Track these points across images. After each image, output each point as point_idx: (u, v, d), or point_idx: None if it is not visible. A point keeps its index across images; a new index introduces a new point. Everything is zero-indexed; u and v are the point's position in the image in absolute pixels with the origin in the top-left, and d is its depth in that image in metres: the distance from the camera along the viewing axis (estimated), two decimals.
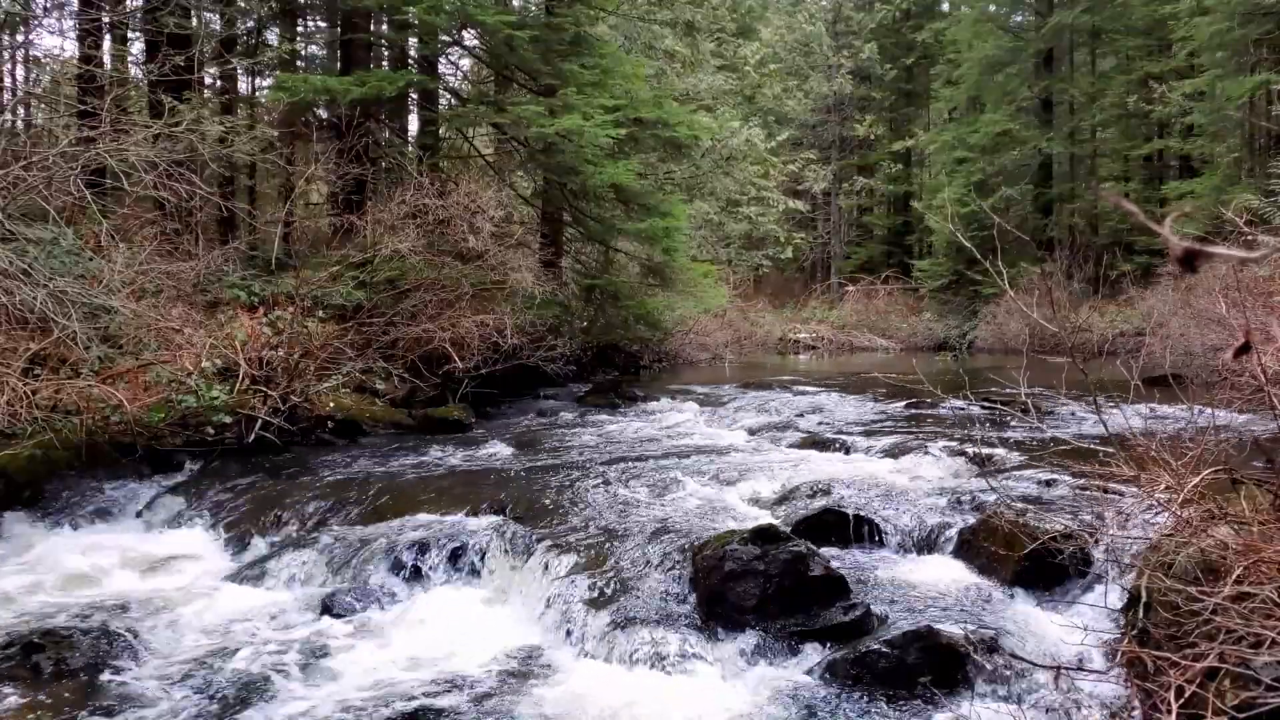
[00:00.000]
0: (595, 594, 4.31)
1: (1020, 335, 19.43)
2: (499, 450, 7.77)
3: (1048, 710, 3.31)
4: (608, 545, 4.78)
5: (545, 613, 4.33)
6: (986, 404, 8.01)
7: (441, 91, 14.19)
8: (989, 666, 3.54)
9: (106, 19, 11.53)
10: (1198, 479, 3.52)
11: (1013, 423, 7.64)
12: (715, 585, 4.04)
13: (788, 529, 4.60)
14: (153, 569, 5.22)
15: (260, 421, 7.30)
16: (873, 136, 32.83)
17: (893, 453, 7.15)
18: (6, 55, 15.11)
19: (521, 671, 3.86)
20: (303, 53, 15.94)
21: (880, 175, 33.27)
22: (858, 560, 4.71)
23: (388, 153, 12.63)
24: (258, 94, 15.22)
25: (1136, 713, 3.17)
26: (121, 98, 9.60)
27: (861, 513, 5.09)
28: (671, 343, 18.16)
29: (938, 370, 17.59)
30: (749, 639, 3.87)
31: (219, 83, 13.51)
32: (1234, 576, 3.02)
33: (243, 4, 13.06)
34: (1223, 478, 3.76)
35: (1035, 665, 3.49)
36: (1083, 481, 5.10)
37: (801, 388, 12.60)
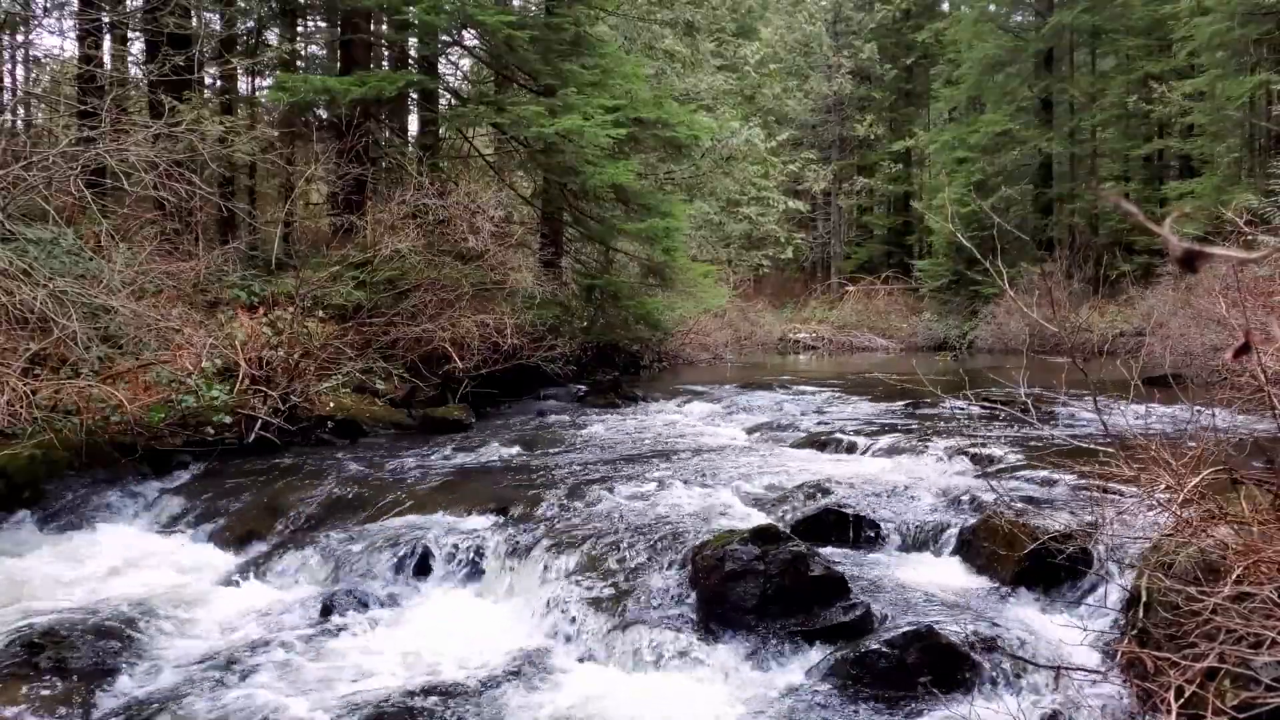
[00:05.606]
0: (595, 594, 4.32)
1: (1020, 335, 19.44)
2: (499, 450, 7.77)
3: (1048, 710, 3.31)
4: (607, 545, 4.78)
5: (545, 613, 4.33)
6: (986, 404, 8.01)
7: (441, 91, 14.19)
8: (989, 666, 3.54)
9: (106, 19, 11.54)
10: (1198, 479, 3.52)
11: (1013, 423, 7.64)
12: (715, 585, 4.04)
13: (787, 529, 4.60)
14: (153, 569, 5.21)
15: (260, 421, 7.30)
16: (873, 136, 32.84)
17: (893, 453, 7.15)
18: (6, 55, 15.13)
19: (522, 672, 3.86)
20: (303, 53, 15.95)
21: (880, 175, 33.28)
22: (858, 560, 4.71)
23: (388, 153, 12.63)
24: (258, 94, 15.22)
25: (1136, 713, 3.17)
26: (121, 98, 9.61)
27: (861, 513, 5.09)
28: (671, 343, 18.16)
29: (938, 370, 17.59)
30: (749, 639, 3.87)
31: (219, 83, 13.51)
32: (1234, 576, 3.02)
33: (243, 4, 13.06)
34: (1223, 478, 3.76)
35: (1035, 665, 3.49)
36: (1083, 481, 5.10)
37: (801, 388, 12.60)
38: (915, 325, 26.58)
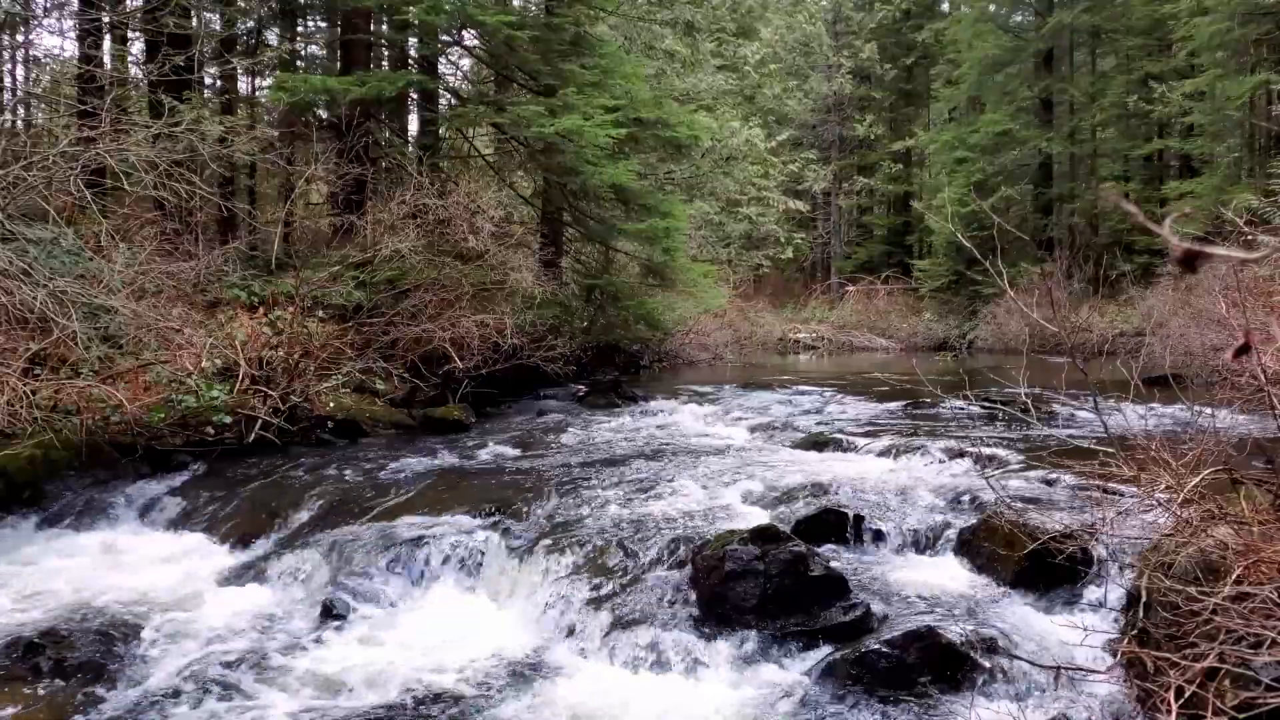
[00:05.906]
0: (595, 594, 4.32)
1: (1020, 335, 19.43)
2: (499, 450, 7.77)
3: (1048, 710, 3.31)
4: (608, 545, 4.78)
5: (545, 613, 4.33)
6: (986, 404, 8.01)
7: (441, 91, 14.19)
8: (989, 666, 3.54)
9: (106, 19, 11.54)
10: (1198, 479, 3.52)
11: (1013, 423, 7.64)
12: (715, 585, 4.04)
13: (788, 529, 4.60)
14: (152, 569, 5.21)
15: (260, 421, 7.30)
16: (873, 136, 32.82)
17: (893, 453, 7.15)
18: (6, 55, 15.14)
19: (522, 672, 3.86)
20: (303, 53, 15.95)
21: (880, 175, 33.26)
22: (858, 560, 4.71)
23: (388, 153, 12.63)
24: (258, 94, 15.23)
25: (1136, 713, 3.17)
26: (121, 98, 9.62)
27: (861, 513, 5.09)
28: (671, 343, 18.15)
29: (938, 370, 17.59)
30: (749, 639, 3.87)
31: (219, 83, 13.52)
32: (1234, 576, 3.02)
33: (243, 4, 13.06)
34: (1223, 478, 3.76)
35: (1035, 665, 3.49)
36: (1083, 481, 5.10)
37: (801, 388, 12.60)
38: (915, 325, 26.56)
